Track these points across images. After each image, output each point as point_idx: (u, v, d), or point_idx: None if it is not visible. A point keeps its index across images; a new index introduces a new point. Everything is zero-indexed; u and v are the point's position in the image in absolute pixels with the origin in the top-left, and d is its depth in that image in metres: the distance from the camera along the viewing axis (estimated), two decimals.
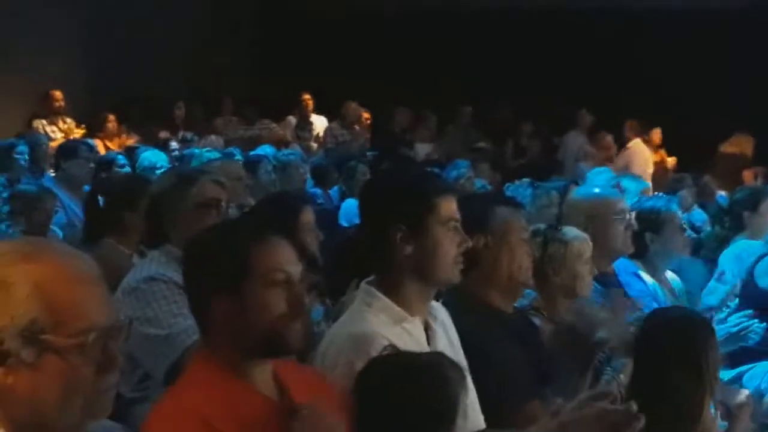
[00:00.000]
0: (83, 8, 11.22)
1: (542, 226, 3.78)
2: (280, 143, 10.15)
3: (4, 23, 10.20)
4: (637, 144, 10.88)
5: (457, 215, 2.62)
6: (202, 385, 2.12)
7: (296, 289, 2.15)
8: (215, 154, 7.01)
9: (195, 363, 2.21)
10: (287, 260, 2.16)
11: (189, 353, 2.94)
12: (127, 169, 6.97)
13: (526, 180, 6.51)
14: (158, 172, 6.39)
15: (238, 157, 7.39)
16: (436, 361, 2.34)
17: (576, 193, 4.70)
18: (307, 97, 11.56)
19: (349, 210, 6.74)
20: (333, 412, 2.21)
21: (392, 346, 2.39)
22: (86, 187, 6.66)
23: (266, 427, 2.10)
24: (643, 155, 10.73)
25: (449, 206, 2.60)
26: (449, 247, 2.58)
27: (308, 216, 4.10)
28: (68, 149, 7.08)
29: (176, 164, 7.93)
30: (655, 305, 4.09)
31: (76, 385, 1.54)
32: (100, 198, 4.90)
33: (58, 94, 10.26)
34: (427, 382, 2.25)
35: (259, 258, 2.14)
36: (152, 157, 7.19)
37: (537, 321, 3.44)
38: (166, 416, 2.08)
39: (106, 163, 7.09)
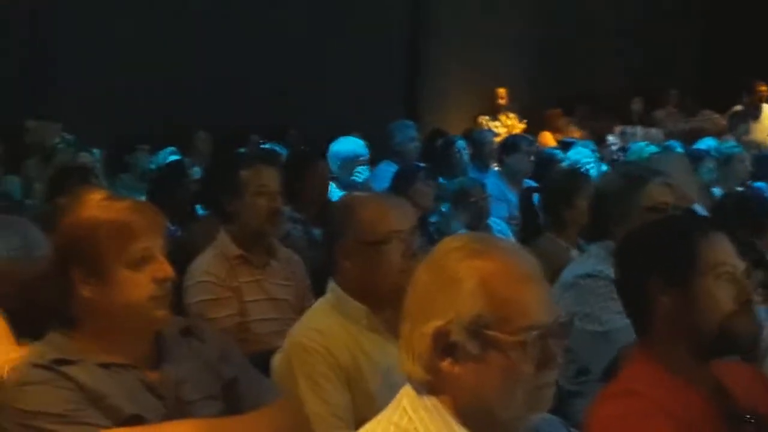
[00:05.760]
0: (530, 7, 11.55)
1: None
2: (722, 135, 9.71)
3: (467, 23, 10.81)
4: None
5: None
6: (643, 382, 2.10)
7: (743, 284, 2.09)
8: (654, 149, 6.88)
9: (633, 362, 2.19)
10: (732, 254, 2.11)
11: (628, 352, 2.93)
12: (568, 163, 7.05)
13: None
14: (590, 168, 6.41)
15: (679, 149, 7.18)
16: None
17: None
18: (763, 88, 10.92)
19: None
20: None
21: None
22: (526, 181, 6.88)
23: (705, 429, 2.04)
24: None
25: None
26: None
27: None
28: (510, 144, 7.30)
29: (615, 158, 7.90)
30: None
31: (517, 380, 1.59)
32: (535, 194, 5.04)
33: (502, 91, 10.68)
34: None
35: (708, 252, 2.10)
36: (578, 154, 7.23)
37: None
38: (615, 395, 2.09)
39: (547, 158, 7.23)
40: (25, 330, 2.81)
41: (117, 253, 2.15)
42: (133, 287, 2.15)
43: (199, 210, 5.67)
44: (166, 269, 2.20)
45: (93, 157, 6.39)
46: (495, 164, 7.80)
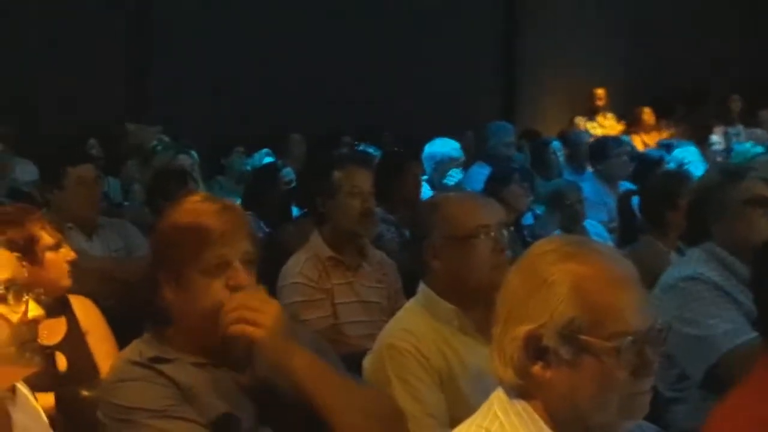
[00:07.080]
0: (627, 5, 11.36)
1: None
2: None
3: (564, 22, 10.69)
4: None
5: None
6: (765, 392, 2.03)
7: None
8: (760, 149, 6.69)
9: (758, 368, 2.12)
10: None
11: (730, 358, 2.85)
12: (672, 165, 6.91)
13: None
14: (694, 168, 6.25)
15: None
16: None
17: None
18: None
19: None
20: None
21: None
22: (623, 183, 6.75)
23: None
24: None
25: None
26: None
27: None
28: (597, 147, 7.18)
29: (718, 159, 7.70)
30: None
31: (611, 387, 1.55)
32: (635, 197, 4.94)
33: (600, 92, 10.54)
34: None
35: None
36: (683, 153, 7.05)
37: None
38: (726, 419, 2.02)
39: (647, 159, 7.08)
40: (124, 328, 2.88)
41: (192, 258, 2.14)
42: (205, 293, 2.14)
43: (295, 211, 5.72)
44: (240, 277, 2.16)
45: (192, 159, 6.49)
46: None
